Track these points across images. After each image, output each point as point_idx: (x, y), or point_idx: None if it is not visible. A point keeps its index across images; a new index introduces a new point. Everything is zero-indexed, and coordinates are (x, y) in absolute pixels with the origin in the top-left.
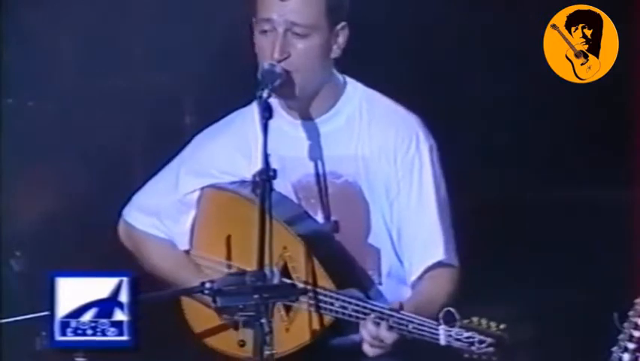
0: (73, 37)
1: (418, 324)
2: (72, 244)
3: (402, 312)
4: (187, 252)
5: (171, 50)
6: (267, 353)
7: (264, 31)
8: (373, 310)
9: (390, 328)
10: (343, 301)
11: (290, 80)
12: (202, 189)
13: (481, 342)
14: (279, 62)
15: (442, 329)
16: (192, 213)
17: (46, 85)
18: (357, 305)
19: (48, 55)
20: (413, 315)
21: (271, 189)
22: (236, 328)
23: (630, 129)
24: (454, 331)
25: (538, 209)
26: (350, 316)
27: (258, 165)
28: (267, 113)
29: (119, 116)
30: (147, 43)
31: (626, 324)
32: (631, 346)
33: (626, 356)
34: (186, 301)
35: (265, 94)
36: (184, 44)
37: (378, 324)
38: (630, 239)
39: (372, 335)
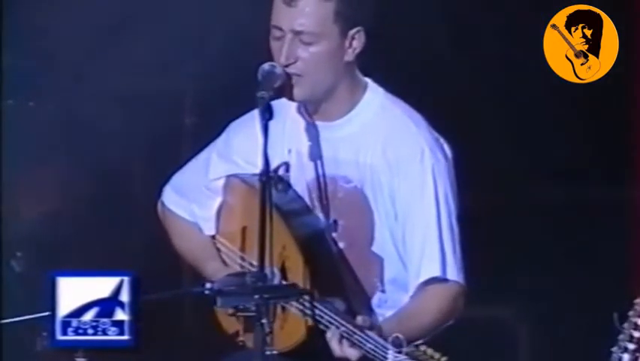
0: (74, 38)
1: (374, 345)
2: (72, 244)
3: (366, 332)
4: (213, 237)
5: (172, 51)
6: (267, 353)
7: (276, 38)
8: (341, 325)
9: (353, 345)
10: (320, 310)
11: (299, 83)
12: (228, 177)
13: None
14: (286, 66)
15: (390, 353)
16: (218, 200)
17: (46, 85)
18: (330, 317)
19: (48, 55)
20: (372, 335)
21: (289, 185)
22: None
23: (630, 129)
24: (400, 357)
25: (537, 209)
26: (325, 326)
27: (279, 160)
28: (267, 114)
29: (119, 116)
30: (148, 44)
31: (625, 324)
32: (631, 346)
33: (625, 357)
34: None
35: (265, 95)
36: (185, 46)
37: (343, 340)
38: (630, 239)
39: (338, 350)
